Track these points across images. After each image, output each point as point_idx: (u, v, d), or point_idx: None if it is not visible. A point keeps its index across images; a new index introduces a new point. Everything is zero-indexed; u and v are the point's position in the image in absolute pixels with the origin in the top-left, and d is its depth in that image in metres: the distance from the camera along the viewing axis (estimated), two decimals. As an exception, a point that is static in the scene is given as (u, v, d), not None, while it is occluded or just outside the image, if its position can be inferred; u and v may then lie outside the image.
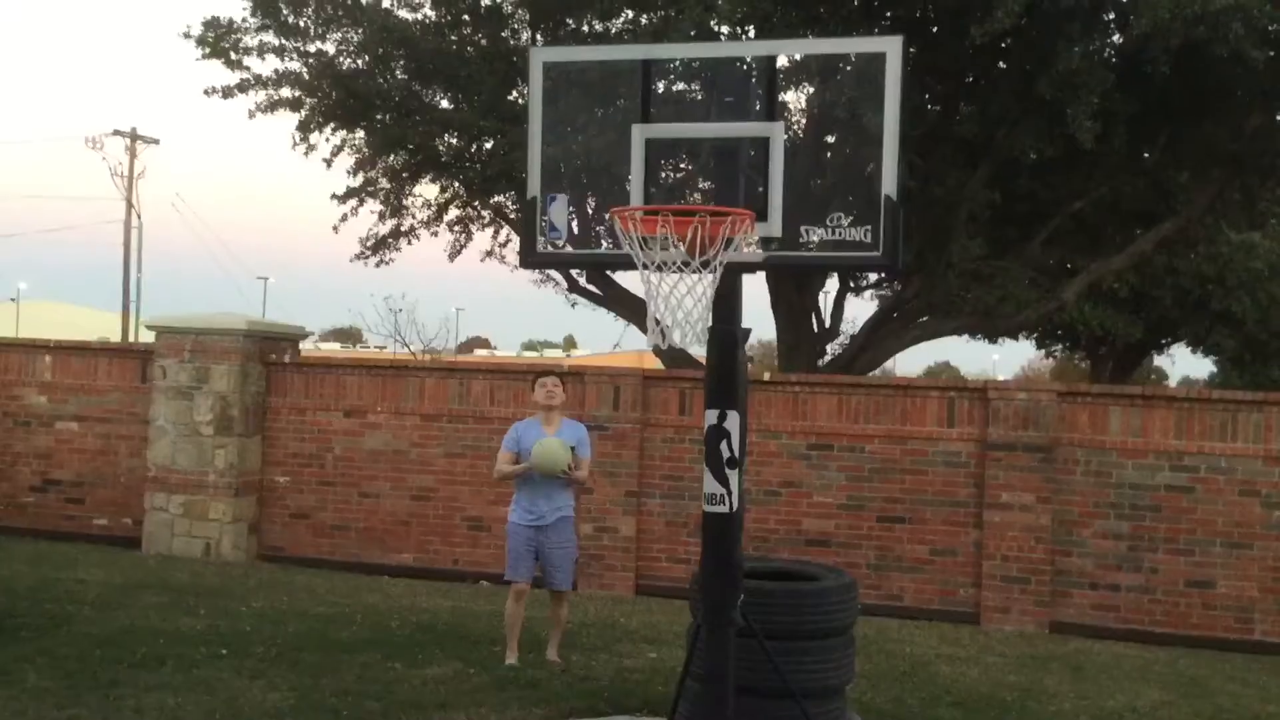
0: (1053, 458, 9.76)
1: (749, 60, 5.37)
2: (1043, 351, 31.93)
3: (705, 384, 5.40)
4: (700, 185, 5.53)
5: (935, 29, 11.43)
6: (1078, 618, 9.69)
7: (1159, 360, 36.53)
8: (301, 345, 12.52)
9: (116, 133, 43.71)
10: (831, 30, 10.64)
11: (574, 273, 13.99)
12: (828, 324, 16.14)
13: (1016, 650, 8.69)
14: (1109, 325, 20.36)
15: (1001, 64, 11.83)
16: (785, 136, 5.11)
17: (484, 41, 13.53)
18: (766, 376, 11.29)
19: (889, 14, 11.25)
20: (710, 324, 5.05)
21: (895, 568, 10.13)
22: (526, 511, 7.23)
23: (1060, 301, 14.30)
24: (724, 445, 5.29)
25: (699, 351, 5.40)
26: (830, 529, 10.25)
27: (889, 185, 4.82)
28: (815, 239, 4.96)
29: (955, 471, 10.05)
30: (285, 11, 13.25)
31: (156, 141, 44.99)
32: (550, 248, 5.27)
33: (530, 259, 5.25)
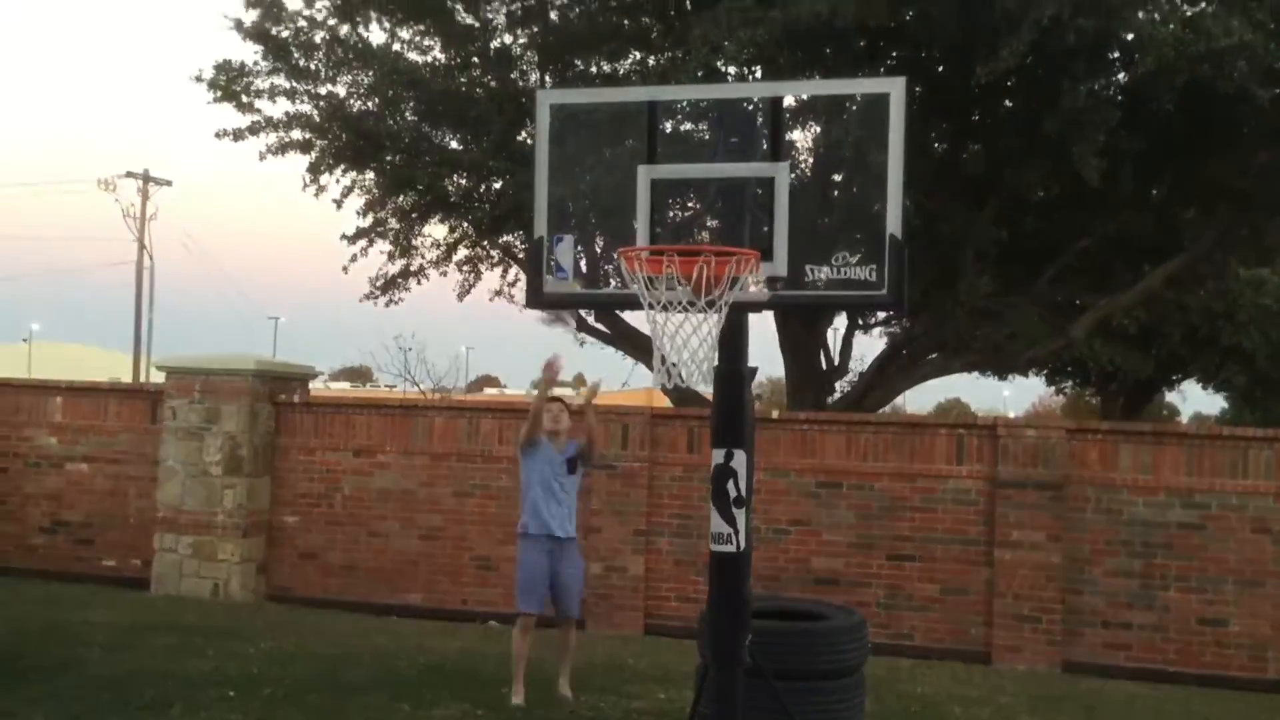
0: (1063, 495, 9.71)
1: (755, 100, 5.42)
2: (1053, 388, 31.84)
3: (711, 423, 5.41)
4: (707, 224, 5.55)
5: (941, 68, 11.50)
6: (1090, 657, 9.60)
7: (1170, 396, 36.38)
8: (311, 384, 12.56)
9: (129, 174, 44.05)
10: (837, 70, 10.71)
11: (582, 311, 14.00)
12: (836, 361, 16.12)
13: (1029, 690, 8.62)
14: (1119, 361, 20.36)
15: (1007, 102, 11.88)
16: (792, 175, 5.15)
17: (493, 83, 13.64)
18: (775, 414, 11.29)
19: (894, 54, 11.33)
20: (716, 363, 5.07)
21: (905, 606, 10.06)
22: (537, 520, 7.27)
23: (1069, 338, 14.28)
24: (731, 484, 5.30)
25: (707, 389, 5.42)
26: (840, 567, 10.20)
27: (893, 225, 4.84)
28: (821, 278, 4.97)
29: (965, 509, 10.01)
30: (296, 55, 13.39)
31: (169, 183, 45.29)
32: (557, 288, 5.30)
33: (536, 299, 5.29)
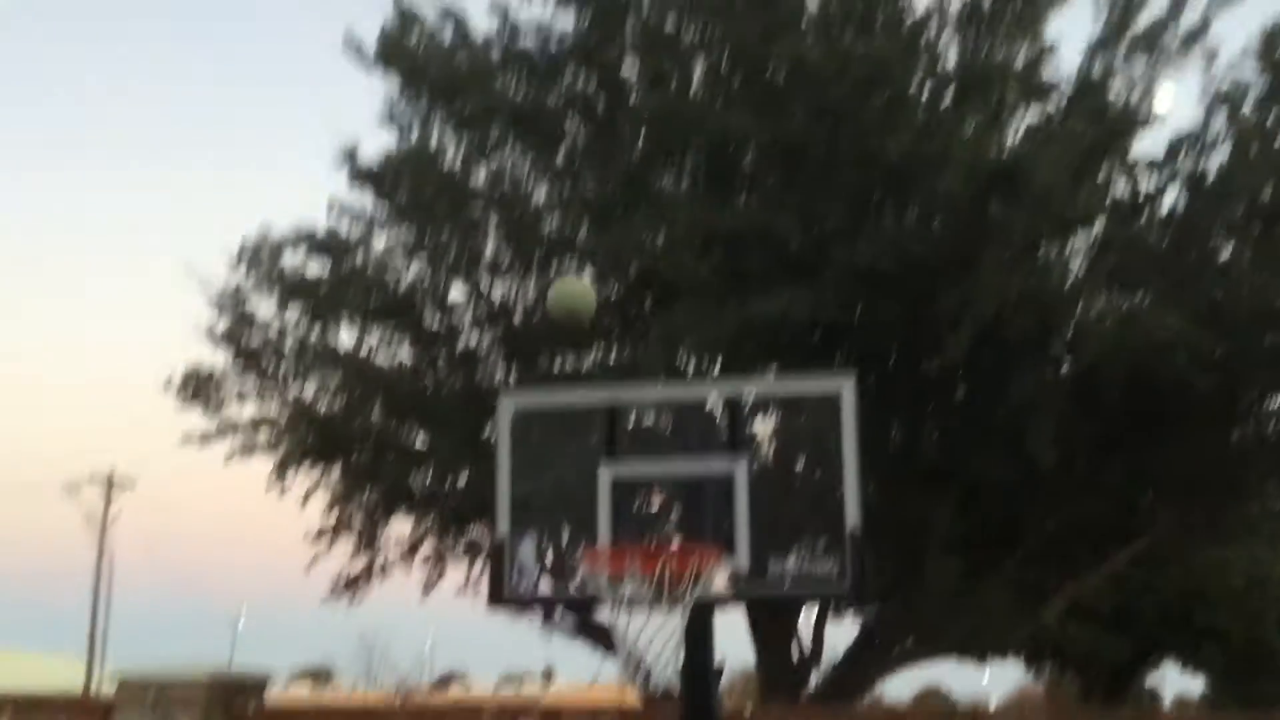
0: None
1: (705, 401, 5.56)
2: (1032, 672, 31.13)
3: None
4: (670, 519, 5.58)
5: (893, 360, 11.86)
6: None
7: (1151, 678, 35.63)
8: (271, 687, 12.10)
9: (92, 479, 43.71)
10: (795, 361, 11.03)
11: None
12: (809, 650, 15.77)
13: None
14: (1094, 644, 20.10)
15: (959, 391, 12.20)
16: (754, 464, 5.22)
17: (458, 382, 13.92)
18: (748, 713, 10.97)
19: (848, 347, 11.69)
20: (682, 662, 4.97)
21: None
22: None
23: (1040, 622, 14.11)
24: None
25: (674, 686, 5.29)
26: None
27: (852, 521, 4.89)
28: (784, 570, 4.96)
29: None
30: (265, 360, 13.69)
31: (133, 484, 44.99)
32: (519, 588, 5.25)
33: (497, 599, 5.22)
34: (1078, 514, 13.23)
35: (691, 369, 11.60)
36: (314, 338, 13.74)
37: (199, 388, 13.50)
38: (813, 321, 10.33)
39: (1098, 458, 12.09)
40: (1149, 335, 9.91)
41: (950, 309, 10.17)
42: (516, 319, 14.06)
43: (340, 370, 13.54)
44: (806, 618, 16.07)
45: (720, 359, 11.34)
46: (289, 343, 13.83)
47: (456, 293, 14.28)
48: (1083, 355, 10.38)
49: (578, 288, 6.77)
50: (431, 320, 14.23)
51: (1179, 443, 12.14)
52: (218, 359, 14.14)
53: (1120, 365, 10.27)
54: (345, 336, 14.22)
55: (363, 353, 14.06)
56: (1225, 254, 11.38)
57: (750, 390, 5.18)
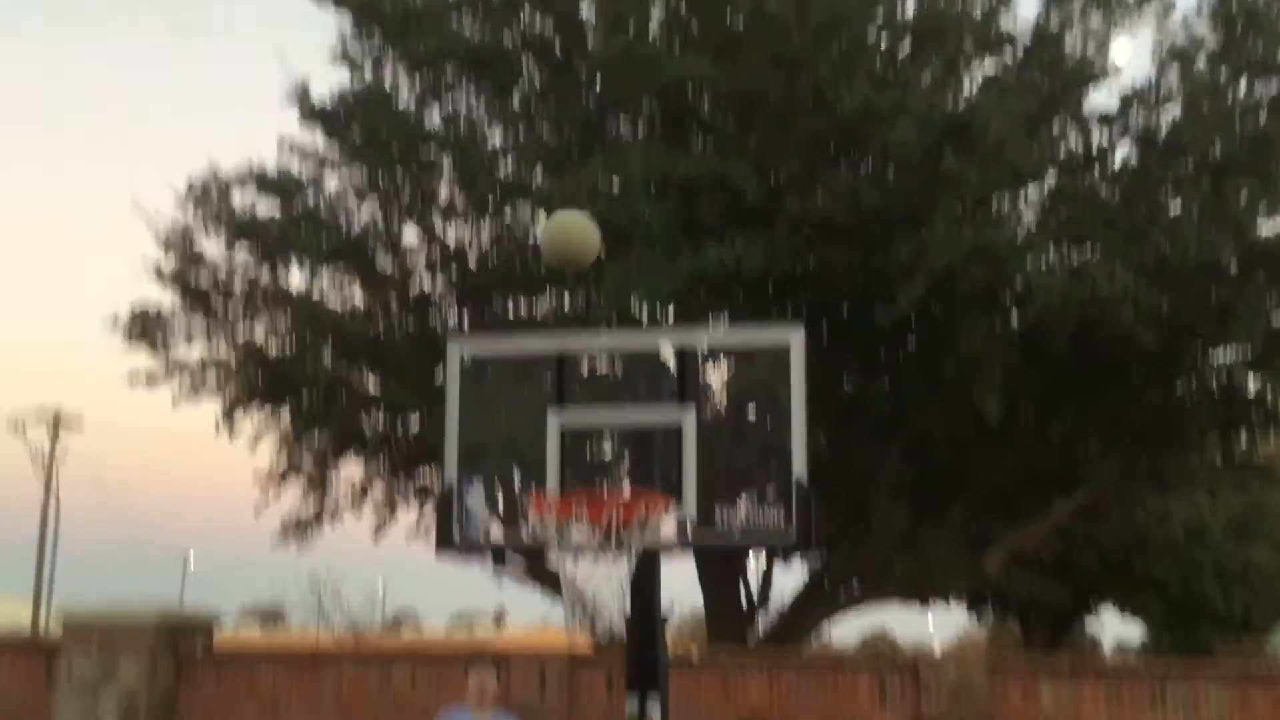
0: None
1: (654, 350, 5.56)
2: (975, 617, 31.76)
3: (625, 670, 5.31)
4: (619, 467, 5.60)
5: (846, 310, 11.94)
6: None
7: (1091, 624, 36.48)
8: (221, 627, 12.08)
9: (39, 417, 43.22)
10: (747, 312, 11.07)
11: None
12: (757, 596, 15.99)
13: None
14: (1036, 592, 20.49)
15: (909, 343, 12.32)
16: (706, 413, 5.24)
17: (411, 326, 13.85)
18: (696, 657, 11.08)
19: (801, 297, 11.75)
20: (629, 609, 5.01)
21: None
22: None
23: (982, 570, 14.37)
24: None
25: (620, 632, 5.34)
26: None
27: (799, 469, 4.92)
28: (731, 519, 5.00)
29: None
30: (214, 299, 13.51)
31: (79, 422, 44.50)
32: (467, 534, 5.26)
33: (446, 544, 5.23)
34: (1022, 464, 13.45)
35: (644, 318, 11.59)
36: (264, 279, 13.58)
37: (146, 328, 13.32)
38: (766, 271, 10.35)
39: (1043, 409, 12.27)
40: (1097, 289, 10.03)
41: (903, 260, 10.23)
42: (471, 263, 13.96)
43: (290, 312, 13.40)
44: (754, 564, 16.27)
45: (673, 308, 11.35)
46: (238, 283, 13.65)
47: (410, 236, 14.17)
48: (1031, 308, 10.49)
49: (575, 227, 5.44)
50: (384, 263, 14.10)
51: (1123, 395, 12.34)
52: (165, 299, 13.96)
53: (1068, 318, 10.40)
54: (296, 278, 14.07)
55: (314, 295, 13.92)
56: (1174, 209, 11.50)
57: (701, 340, 5.21)
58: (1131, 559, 21.65)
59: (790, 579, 16.96)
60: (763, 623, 16.06)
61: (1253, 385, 13.01)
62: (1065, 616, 27.38)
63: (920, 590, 15.69)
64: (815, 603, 15.45)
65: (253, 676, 10.99)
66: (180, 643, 11.12)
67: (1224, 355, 12.62)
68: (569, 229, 5.36)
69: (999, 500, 14.61)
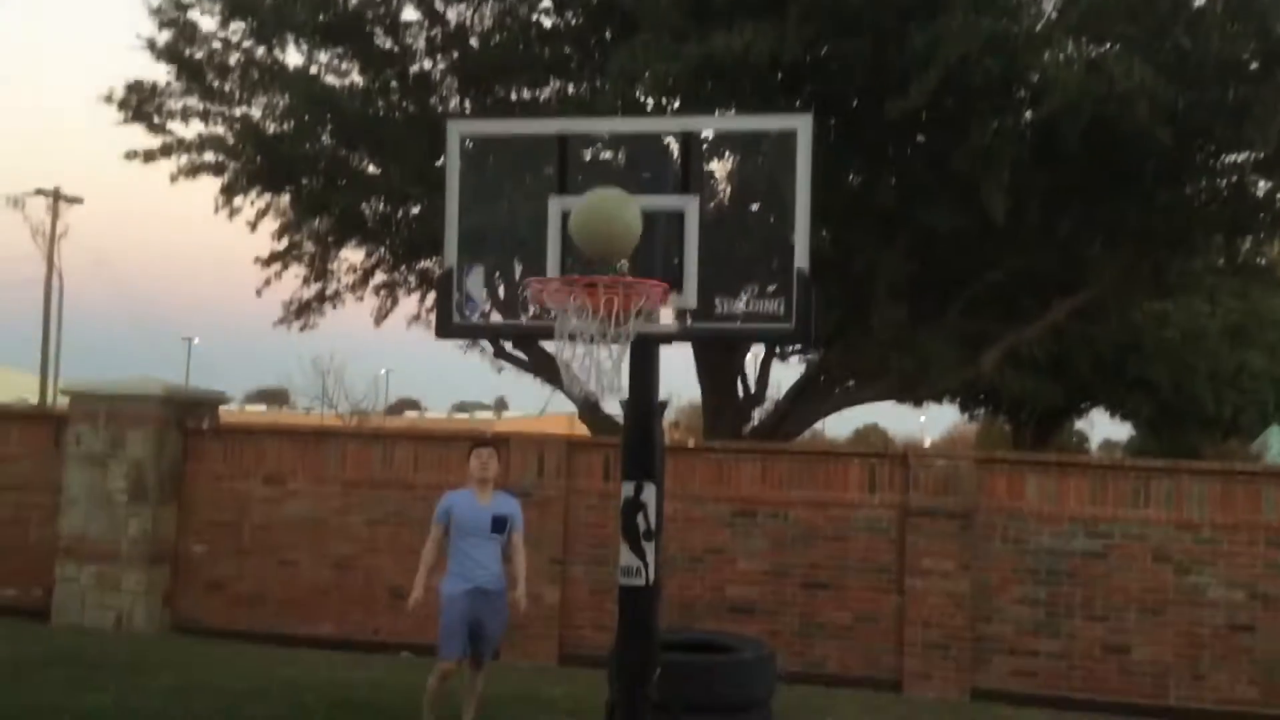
0: (972, 524, 9.84)
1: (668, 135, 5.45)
2: (967, 415, 32.42)
3: (621, 456, 5.41)
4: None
5: (855, 103, 11.67)
6: (998, 684, 9.71)
7: (1080, 424, 37.23)
8: (226, 407, 12.30)
9: (39, 192, 42.97)
10: (755, 103, 10.82)
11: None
12: (754, 389, 16.23)
13: (938, 718, 8.69)
14: (1029, 390, 20.79)
15: (918, 138, 12.09)
16: (710, 205, 5.18)
17: (411, 108, 13.56)
18: (690, 443, 11.32)
19: (810, 88, 11.46)
20: (625, 393, 5.07)
21: (818, 634, 10.10)
22: (462, 580, 7.11)
23: (978, 369, 14.53)
24: (640, 518, 5.30)
25: (616, 412, 5.43)
26: (754, 596, 10.22)
27: (801, 259, 4.88)
28: (731, 310, 5.00)
29: (877, 538, 10.09)
30: (211, 76, 13.20)
31: (80, 201, 44.23)
32: (468, 319, 5.27)
33: (446, 330, 5.24)
34: (1024, 264, 13.41)
35: (649, 107, 11.34)
36: (260, 54, 13.21)
37: (141, 103, 13.04)
38: (775, 61, 10.05)
39: (1050, 208, 12.15)
40: (1114, 84, 9.77)
41: (917, 50, 9.92)
42: (473, 42, 13.56)
43: (288, 91, 13.09)
44: (753, 357, 16.47)
45: (679, 97, 11.07)
46: (234, 59, 13.31)
47: (410, 14, 13.71)
48: (1045, 104, 10.24)
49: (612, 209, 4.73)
50: (383, 42, 13.71)
51: (1132, 195, 12.20)
52: (161, 73, 13.66)
53: (1082, 115, 10.17)
54: (294, 56, 13.72)
55: (312, 71, 13.59)
56: (1198, 1, 11.09)
57: (707, 126, 5.10)
58: (1126, 361, 21.87)
59: (787, 374, 17.19)
60: (758, 416, 16.35)
61: (1262, 188, 12.88)
62: (1056, 416, 27.89)
63: (914, 388, 15.92)
64: (810, 398, 15.69)
65: (258, 450, 11.26)
66: (186, 419, 11.35)
67: (1236, 157, 12.43)
68: (610, 217, 4.70)
69: (998, 300, 14.64)
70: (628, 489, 5.29)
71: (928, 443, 46.17)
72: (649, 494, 5.27)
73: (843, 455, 10.69)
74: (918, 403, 23.13)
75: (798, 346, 16.53)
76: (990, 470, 10.02)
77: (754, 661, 6.17)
